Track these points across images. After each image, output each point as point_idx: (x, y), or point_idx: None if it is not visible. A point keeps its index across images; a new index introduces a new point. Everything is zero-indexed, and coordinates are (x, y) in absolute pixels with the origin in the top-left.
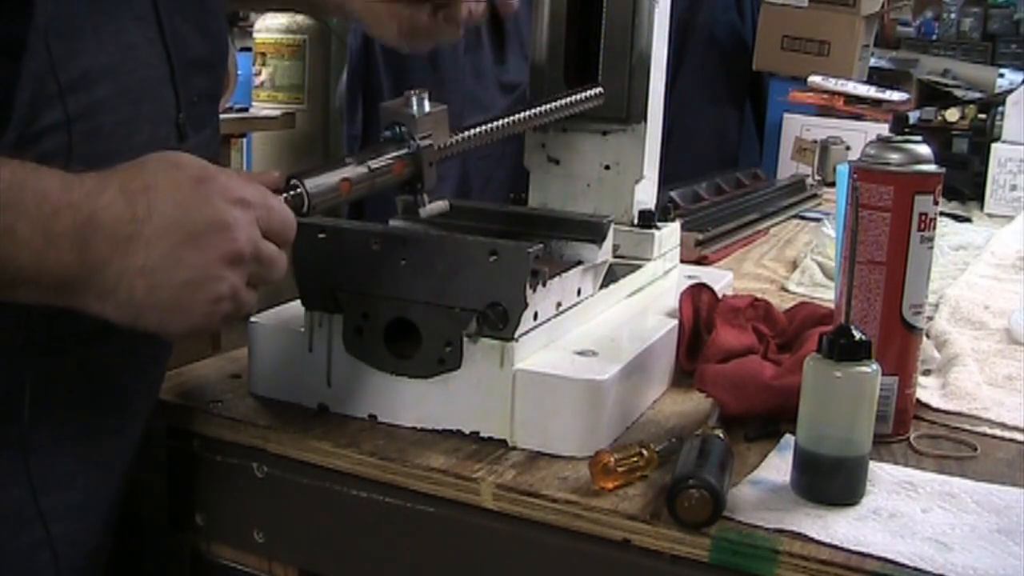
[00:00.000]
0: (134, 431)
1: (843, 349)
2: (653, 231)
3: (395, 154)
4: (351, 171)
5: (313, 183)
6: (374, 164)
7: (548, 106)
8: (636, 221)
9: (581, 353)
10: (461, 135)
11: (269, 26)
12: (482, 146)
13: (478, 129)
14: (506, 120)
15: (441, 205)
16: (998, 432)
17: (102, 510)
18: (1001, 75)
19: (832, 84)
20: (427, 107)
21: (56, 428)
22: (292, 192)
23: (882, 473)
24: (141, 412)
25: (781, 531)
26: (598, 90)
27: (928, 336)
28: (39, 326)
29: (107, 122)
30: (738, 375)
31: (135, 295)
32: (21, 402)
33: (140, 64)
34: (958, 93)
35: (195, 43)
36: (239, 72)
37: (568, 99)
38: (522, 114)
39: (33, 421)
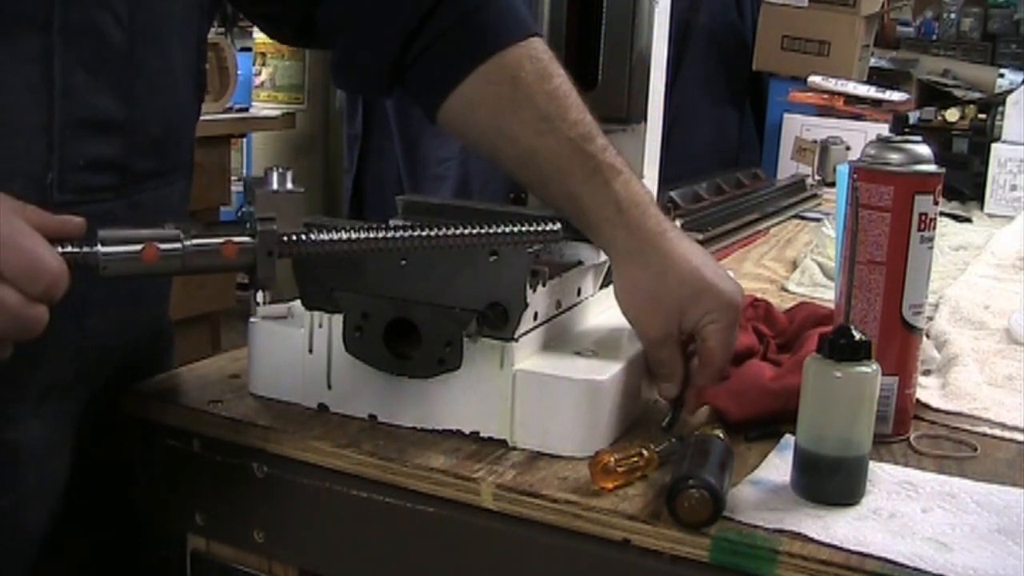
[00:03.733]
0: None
1: (843, 349)
2: None
3: (227, 234)
4: (163, 236)
5: (113, 237)
6: (197, 241)
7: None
8: None
9: (581, 353)
10: (317, 236)
11: None
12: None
13: (338, 236)
14: (388, 235)
15: (280, 309)
16: (998, 432)
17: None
18: (1001, 75)
19: (832, 84)
20: (280, 184)
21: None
22: (83, 247)
23: (882, 473)
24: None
25: (781, 531)
26: (557, 227)
27: (928, 336)
28: None
29: None
30: (738, 382)
31: None
32: None
33: (3, 108)
34: (958, 93)
35: (102, 103)
36: (239, 72)
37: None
38: (414, 233)
39: None
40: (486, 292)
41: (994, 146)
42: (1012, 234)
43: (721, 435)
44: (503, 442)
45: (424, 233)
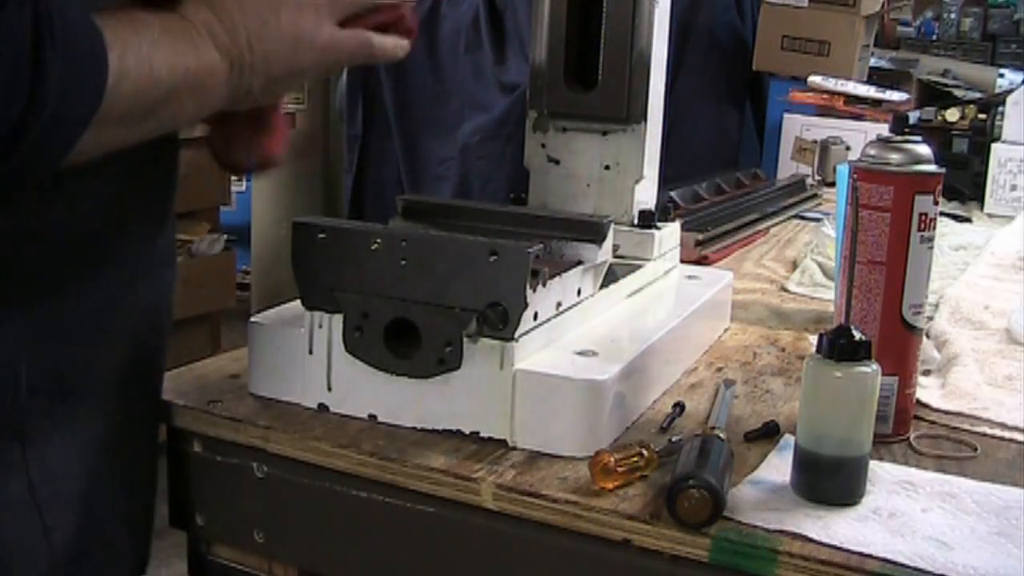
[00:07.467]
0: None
1: (843, 349)
2: (653, 231)
3: None
4: None
5: None
6: None
7: None
8: (636, 221)
9: (581, 353)
10: None
11: None
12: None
13: None
14: None
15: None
16: (998, 432)
17: (105, 498)
18: (1001, 75)
19: (832, 84)
20: None
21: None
22: None
23: (882, 473)
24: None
25: (781, 531)
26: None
27: (928, 336)
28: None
29: None
30: None
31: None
32: (17, 392)
33: None
34: (958, 93)
35: None
36: None
37: None
38: None
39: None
40: (486, 292)
41: (994, 146)
42: (1012, 234)
43: (721, 435)
44: (503, 442)
45: None
